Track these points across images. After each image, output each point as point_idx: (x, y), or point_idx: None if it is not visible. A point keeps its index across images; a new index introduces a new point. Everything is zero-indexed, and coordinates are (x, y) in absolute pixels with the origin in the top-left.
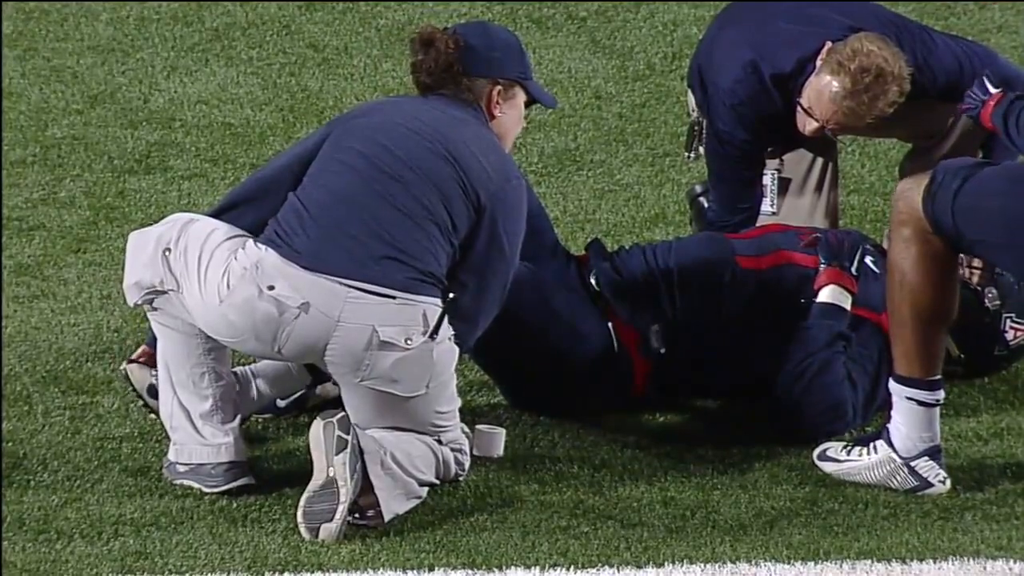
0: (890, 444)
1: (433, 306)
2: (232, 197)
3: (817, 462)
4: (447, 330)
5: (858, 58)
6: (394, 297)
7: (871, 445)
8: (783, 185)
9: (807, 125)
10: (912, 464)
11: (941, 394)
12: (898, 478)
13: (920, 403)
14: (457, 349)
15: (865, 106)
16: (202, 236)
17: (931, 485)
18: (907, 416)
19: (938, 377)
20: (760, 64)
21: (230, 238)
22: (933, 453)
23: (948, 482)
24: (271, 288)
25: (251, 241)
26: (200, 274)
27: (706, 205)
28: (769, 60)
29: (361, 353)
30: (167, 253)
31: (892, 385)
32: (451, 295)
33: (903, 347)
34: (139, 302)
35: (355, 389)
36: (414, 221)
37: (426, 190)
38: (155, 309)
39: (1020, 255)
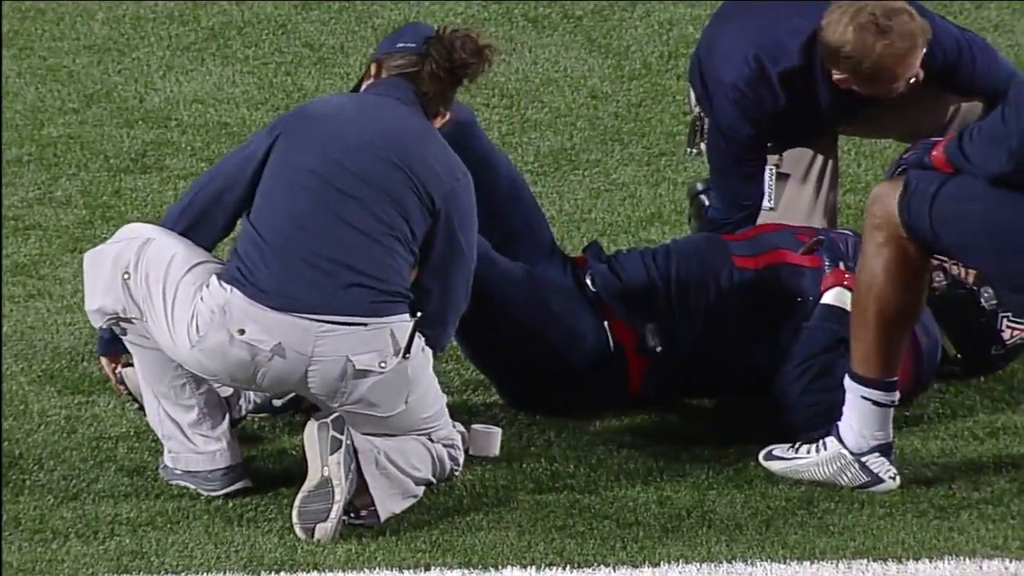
0: (840, 440)
1: (401, 323)
2: (189, 215)
3: (763, 462)
4: (418, 343)
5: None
6: (365, 324)
7: (820, 442)
8: (781, 180)
9: (851, 87)
10: (863, 460)
11: (896, 395)
12: (848, 474)
13: (876, 403)
14: (430, 353)
15: (876, 24)
16: (163, 264)
17: (881, 481)
18: (861, 414)
19: (895, 379)
20: (763, 58)
21: (191, 268)
22: (884, 450)
23: (898, 479)
24: (242, 332)
25: (215, 279)
26: (167, 312)
27: (706, 203)
28: (772, 54)
29: (337, 383)
30: (126, 277)
31: (848, 383)
32: (418, 314)
33: (864, 347)
34: (104, 327)
35: (337, 410)
36: (375, 239)
37: (383, 204)
38: (124, 331)
39: (1000, 259)
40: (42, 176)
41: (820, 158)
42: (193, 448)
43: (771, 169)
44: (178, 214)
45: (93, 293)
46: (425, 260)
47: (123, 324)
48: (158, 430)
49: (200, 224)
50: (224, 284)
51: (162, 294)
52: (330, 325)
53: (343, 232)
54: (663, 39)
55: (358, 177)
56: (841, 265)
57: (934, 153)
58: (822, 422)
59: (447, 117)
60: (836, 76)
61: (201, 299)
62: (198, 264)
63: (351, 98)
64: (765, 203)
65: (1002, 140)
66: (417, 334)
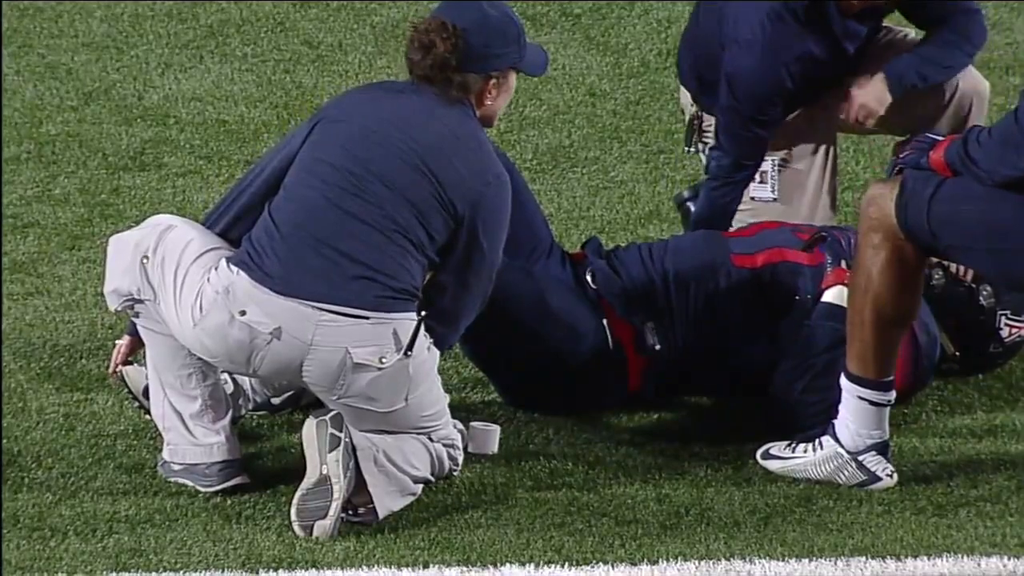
0: (836, 440)
1: (405, 321)
2: (231, 211)
3: (761, 461)
4: (423, 342)
5: None
6: (367, 318)
7: (816, 441)
8: (784, 172)
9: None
10: (860, 458)
11: (892, 394)
12: (846, 473)
13: (872, 403)
14: (437, 354)
15: None
16: (179, 248)
17: (879, 479)
18: (857, 414)
19: (891, 378)
20: (778, 8)
21: (204, 253)
22: (881, 448)
23: (896, 477)
24: (243, 314)
25: (224, 261)
26: (175, 292)
27: (693, 209)
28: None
29: (335, 375)
30: (144, 261)
31: (844, 383)
32: (424, 312)
33: (860, 348)
34: (119, 309)
35: (336, 403)
36: (386, 237)
37: (400, 207)
38: (137, 314)
39: (1000, 259)
40: (40, 174)
41: (822, 147)
42: (192, 440)
43: (774, 161)
44: (218, 215)
45: (111, 276)
46: (445, 260)
47: (137, 307)
48: (160, 422)
49: (241, 222)
50: (232, 267)
51: (174, 274)
52: (331, 315)
53: (355, 227)
54: (661, 37)
55: (377, 178)
56: (843, 263)
57: (932, 156)
58: (822, 420)
59: (486, 103)
60: None
61: (208, 280)
62: (212, 250)
63: (393, 90)
64: (768, 194)
65: (1019, 144)
66: (423, 333)
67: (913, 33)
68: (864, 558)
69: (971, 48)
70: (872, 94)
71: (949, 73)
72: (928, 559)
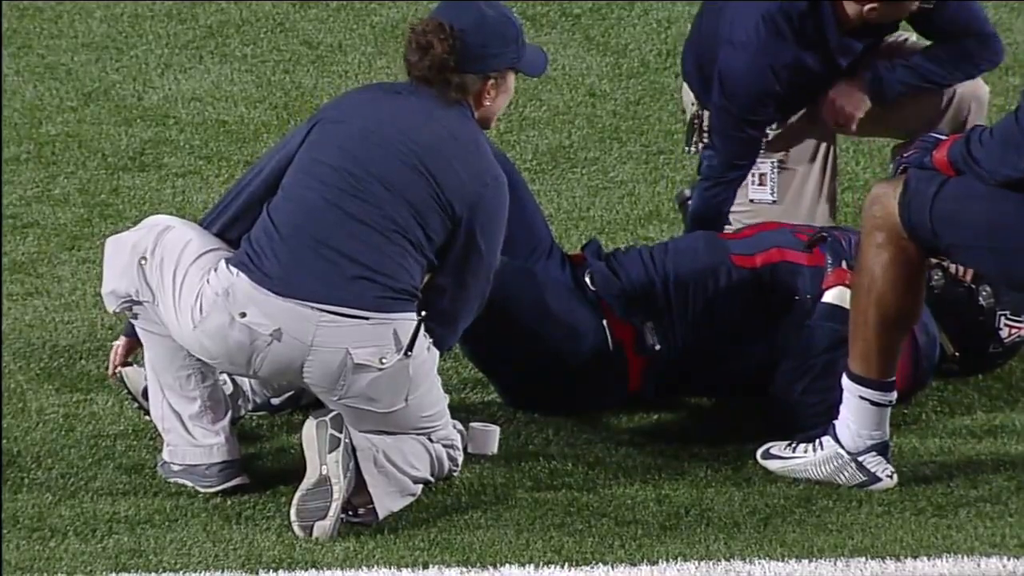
0: (837, 440)
1: (405, 321)
2: (229, 211)
3: (761, 460)
4: (423, 342)
5: None
6: (367, 318)
7: (817, 441)
8: (784, 173)
9: (851, 9)
10: (860, 459)
11: (894, 395)
12: (846, 474)
13: (873, 403)
14: (437, 354)
15: None
16: (177, 249)
17: (879, 480)
18: (858, 414)
19: (893, 379)
20: (774, 10)
21: (203, 254)
22: (881, 449)
23: (895, 477)
24: (243, 315)
25: (223, 263)
26: (175, 294)
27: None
28: (782, 4)
29: (336, 374)
30: (143, 262)
31: (845, 382)
32: (423, 313)
33: (863, 348)
34: (117, 310)
35: (336, 404)
36: (386, 237)
37: (399, 207)
38: (136, 315)
39: (1003, 259)
40: (40, 174)
41: (821, 154)
42: (192, 441)
43: (773, 163)
44: (215, 215)
45: (109, 277)
46: (443, 261)
47: (135, 308)
48: (159, 423)
49: (239, 222)
50: (231, 268)
51: (172, 275)
52: (331, 315)
53: (354, 227)
54: (661, 37)
55: (376, 179)
56: (844, 264)
57: (936, 155)
58: (822, 421)
59: (485, 104)
60: (850, 9)
61: (207, 282)
62: (211, 251)
63: (391, 92)
64: (768, 196)
65: (1020, 145)
66: (423, 334)
67: (914, 37)
68: (864, 559)
69: (976, 72)
70: (850, 97)
71: (941, 87)
72: (928, 560)
